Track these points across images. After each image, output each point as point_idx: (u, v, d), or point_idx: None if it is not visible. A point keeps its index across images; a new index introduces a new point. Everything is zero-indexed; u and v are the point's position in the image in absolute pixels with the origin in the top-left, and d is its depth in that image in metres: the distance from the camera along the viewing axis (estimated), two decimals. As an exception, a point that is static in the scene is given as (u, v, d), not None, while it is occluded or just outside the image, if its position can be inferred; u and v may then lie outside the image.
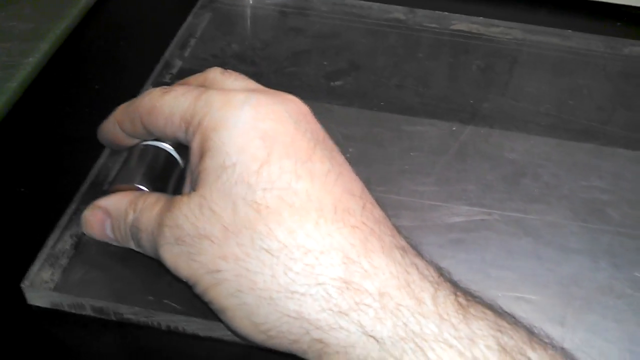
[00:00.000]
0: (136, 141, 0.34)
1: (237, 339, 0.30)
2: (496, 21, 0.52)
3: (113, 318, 0.32)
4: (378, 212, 0.29)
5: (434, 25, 0.52)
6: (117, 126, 0.33)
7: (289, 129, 0.29)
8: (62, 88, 0.45)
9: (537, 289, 0.34)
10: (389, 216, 0.30)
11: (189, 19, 0.50)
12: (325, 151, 0.29)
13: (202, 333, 0.31)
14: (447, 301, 0.26)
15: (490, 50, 0.50)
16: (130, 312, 0.31)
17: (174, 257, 0.28)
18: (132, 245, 0.31)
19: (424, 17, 0.52)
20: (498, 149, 0.41)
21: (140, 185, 0.32)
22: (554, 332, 0.31)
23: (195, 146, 0.30)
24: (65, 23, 0.48)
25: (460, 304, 0.26)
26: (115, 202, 0.32)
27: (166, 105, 0.31)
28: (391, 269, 0.27)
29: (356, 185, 0.29)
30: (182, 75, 0.44)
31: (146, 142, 0.34)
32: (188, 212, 0.28)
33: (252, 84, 0.33)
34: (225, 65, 0.34)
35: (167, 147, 0.34)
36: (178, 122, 0.30)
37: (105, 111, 0.35)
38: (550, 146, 0.42)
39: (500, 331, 0.25)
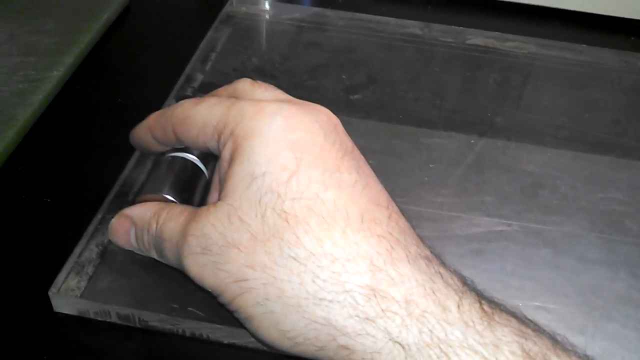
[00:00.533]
0: (166, 148, 0.35)
1: (261, 346, 0.30)
2: (511, 36, 0.52)
3: (138, 325, 0.32)
4: (403, 223, 0.30)
5: (449, 39, 0.52)
6: (148, 133, 0.34)
7: (318, 139, 0.29)
8: (86, 100, 0.46)
9: (557, 299, 0.34)
10: (412, 227, 0.30)
11: (209, 33, 0.51)
12: (353, 162, 0.30)
13: (226, 340, 0.32)
14: (472, 309, 0.26)
15: (506, 64, 0.50)
16: (155, 320, 0.32)
17: (199, 267, 0.29)
18: (155, 255, 0.32)
19: (440, 32, 0.53)
20: (515, 161, 0.42)
21: (168, 195, 0.33)
22: (574, 341, 0.31)
23: (225, 154, 0.30)
24: (88, 37, 0.49)
25: (484, 311, 0.26)
26: (140, 212, 0.32)
27: (199, 115, 0.31)
28: (417, 277, 0.27)
29: (382, 195, 0.30)
30: (203, 88, 0.45)
31: (173, 154, 0.35)
32: (215, 221, 0.29)
33: (282, 94, 0.33)
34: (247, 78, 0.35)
35: (193, 158, 0.34)
36: (211, 132, 0.31)
37: (129, 123, 0.36)
38: (566, 158, 0.42)
39: (524, 337, 0.26)
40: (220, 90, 0.35)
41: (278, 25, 0.53)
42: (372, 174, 0.31)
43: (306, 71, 0.48)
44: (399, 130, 0.44)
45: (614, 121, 0.46)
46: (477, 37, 0.52)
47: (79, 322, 0.32)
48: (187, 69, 0.47)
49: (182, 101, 0.33)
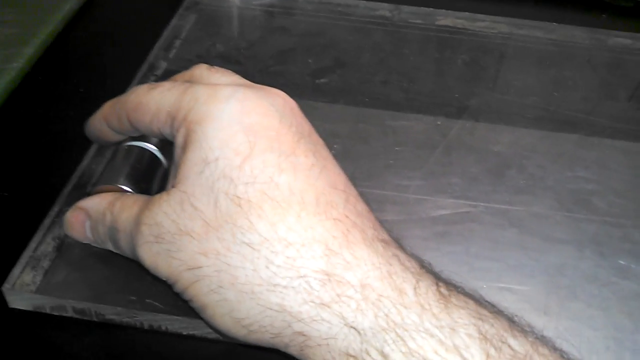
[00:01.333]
0: (123, 137, 0.34)
1: (220, 337, 0.30)
2: (481, 16, 0.52)
3: (95, 319, 0.31)
4: (361, 206, 0.29)
5: (419, 21, 0.52)
6: (103, 122, 0.33)
7: (273, 123, 0.29)
8: (46, 92, 0.45)
9: (522, 279, 0.34)
10: (373, 211, 0.30)
11: (174, 20, 0.50)
12: (310, 145, 0.29)
13: (185, 332, 0.31)
14: (428, 291, 0.26)
15: (476, 44, 0.50)
16: (112, 313, 0.31)
17: (153, 256, 0.28)
18: (110, 247, 0.31)
19: (409, 14, 0.52)
20: (483, 142, 0.41)
21: (123, 186, 0.32)
22: (539, 321, 0.31)
23: (179, 140, 0.29)
24: (49, 28, 0.48)
25: (441, 293, 0.26)
26: (95, 204, 0.32)
27: (152, 101, 0.30)
28: (373, 260, 0.26)
29: (340, 178, 0.29)
30: (166, 76, 0.44)
31: (130, 143, 0.34)
32: (168, 209, 0.28)
33: (238, 79, 0.32)
34: (209, 65, 0.34)
35: (151, 147, 0.34)
36: (164, 118, 0.30)
37: (90, 114, 0.35)
38: (535, 138, 0.42)
39: (481, 319, 0.25)
40: (177, 76, 0.34)
41: (245, 11, 0.53)
42: (330, 157, 0.30)
43: (272, 56, 0.48)
44: (366, 113, 0.43)
45: (583, 99, 0.45)
46: (447, 18, 0.52)
47: (35, 317, 0.32)
48: (150, 57, 0.46)
49: (135, 87, 0.32)
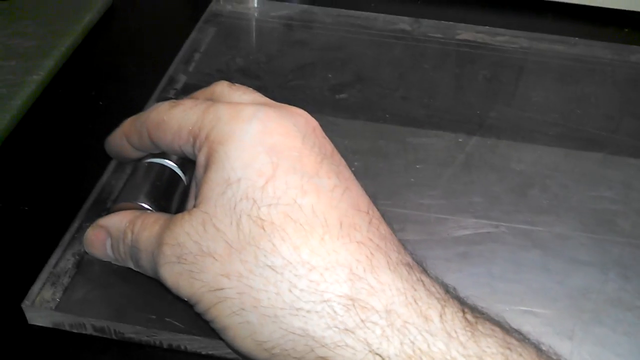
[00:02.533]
0: (143, 154, 0.34)
1: (239, 358, 0.29)
2: (501, 30, 0.51)
3: (114, 337, 0.31)
4: (384, 228, 0.29)
5: (439, 35, 0.51)
6: (124, 139, 0.33)
7: (296, 143, 0.29)
8: (66, 105, 0.45)
9: (546, 302, 0.33)
10: (394, 230, 0.29)
11: (193, 33, 0.50)
12: (333, 166, 0.29)
13: (204, 351, 0.31)
14: (454, 318, 0.25)
15: (496, 59, 0.49)
16: (131, 332, 0.31)
17: (175, 276, 0.28)
18: (131, 265, 0.31)
19: (429, 28, 0.52)
20: (505, 160, 0.41)
21: (143, 204, 0.32)
22: (563, 346, 0.31)
23: (201, 160, 0.29)
24: (69, 40, 0.48)
25: (468, 321, 0.26)
26: (115, 222, 0.32)
27: (174, 119, 0.30)
28: (397, 286, 0.26)
29: (363, 200, 0.29)
30: (186, 90, 0.44)
31: (150, 160, 0.34)
32: (190, 229, 0.28)
33: (260, 97, 0.32)
34: (229, 79, 0.34)
35: (171, 164, 0.33)
36: (186, 136, 0.30)
37: (110, 127, 0.35)
38: (558, 156, 0.41)
39: (509, 348, 0.25)
40: (198, 93, 0.34)
41: (264, 24, 0.53)
42: (352, 178, 0.30)
43: (292, 71, 0.47)
44: (386, 130, 0.43)
45: (606, 117, 0.45)
46: (467, 32, 0.52)
47: (54, 334, 0.32)
48: (170, 71, 0.46)
49: (157, 104, 0.32)
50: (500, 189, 0.39)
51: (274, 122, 0.29)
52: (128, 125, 0.33)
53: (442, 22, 0.52)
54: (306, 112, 0.31)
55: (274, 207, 0.27)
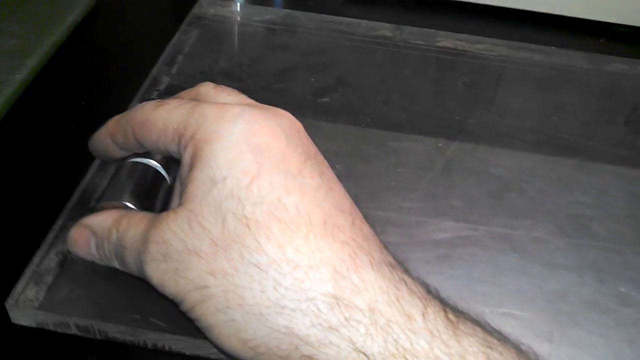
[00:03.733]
0: (127, 153, 0.34)
1: (223, 357, 0.30)
2: (481, 38, 0.52)
3: (98, 337, 0.31)
4: (367, 229, 0.29)
5: (420, 42, 0.52)
6: (109, 138, 0.33)
7: (280, 144, 0.29)
8: (49, 105, 0.45)
9: (524, 305, 0.34)
10: (376, 233, 0.30)
11: (177, 36, 0.50)
12: (316, 166, 0.29)
13: (188, 351, 0.31)
14: (437, 317, 0.26)
15: (476, 66, 0.50)
16: (115, 331, 0.31)
17: (160, 274, 0.28)
18: (116, 264, 0.31)
19: (411, 34, 0.52)
20: (483, 165, 0.42)
21: (128, 203, 0.32)
22: (541, 347, 0.31)
23: (186, 158, 0.29)
24: (52, 39, 0.48)
25: (449, 320, 0.26)
26: (100, 221, 0.32)
27: (159, 118, 0.30)
28: (380, 284, 0.27)
29: (346, 201, 0.29)
30: (169, 91, 0.45)
31: (134, 159, 0.34)
32: (176, 227, 0.28)
33: (245, 99, 0.33)
34: (212, 81, 0.34)
35: (155, 164, 0.34)
36: (171, 135, 0.30)
37: (92, 128, 0.35)
38: (535, 162, 0.42)
39: (490, 347, 0.25)
40: (183, 93, 0.34)
41: (248, 28, 0.53)
42: (335, 179, 0.30)
43: (274, 74, 0.48)
44: (367, 133, 0.43)
45: (582, 124, 0.46)
46: (448, 39, 0.52)
47: (38, 334, 0.32)
48: (153, 72, 0.46)
49: (142, 103, 0.32)
50: (479, 192, 0.40)
51: (259, 123, 0.29)
52: (113, 124, 0.33)
53: (423, 29, 0.53)
54: (290, 114, 0.31)
55: (259, 205, 0.27)
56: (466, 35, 0.52)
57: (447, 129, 0.44)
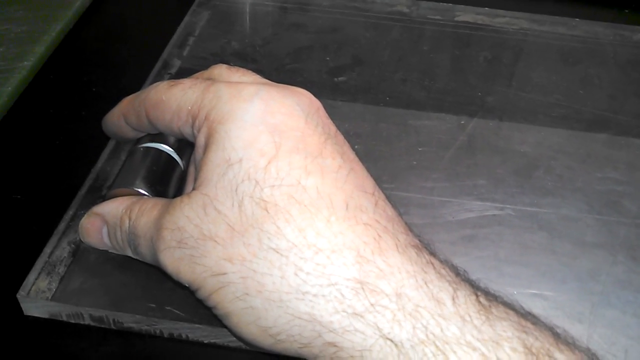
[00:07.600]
0: (141, 134, 0.33)
1: (242, 345, 0.29)
2: (501, 11, 0.51)
3: (113, 327, 0.31)
4: (390, 210, 0.28)
5: (437, 17, 0.50)
6: (122, 119, 0.32)
7: (299, 123, 0.28)
8: (59, 91, 0.44)
9: (554, 285, 0.32)
10: (400, 214, 0.28)
11: (187, 17, 0.49)
12: (337, 146, 0.28)
13: (206, 340, 0.30)
14: (467, 301, 0.25)
15: (496, 41, 0.49)
16: (131, 321, 0.30)
17: (175, 262, 0.27)
18: (130, 253, 0.30)
19: (428, 9, 0.51)
20: (508, 142, 0.40)
21: (140, 189, 0.31)
22: (573, 329, 0.30)
23: (200, 140, 0.28)
24: (60, 25, 0.47)
25: (481, 304, 0.25)
26: (111, 209, 0.31)
27: (173, 99, 0.29)
28: (407, 268, 0.25)
29: (368, 182, 0.28)
30: (180, 75, 0.43)
31: (146, 144, 0.33)
32: (190, 212, 0.27)
33: (260, 78, 0.31)
34: (225, 63, 0.33)
35: (167, 149, 0.33)
36: (185, 116, 0.29)
37: (103, 114, 0.34)
38: (562, 137, 0.41)
39: (525, 332, 0.24)
40: (196, 75, 0.33)
41: (259, 7, 0.51)
42: (356, 159, 0.29)
43: (288, 54, 0.46)
44: (386, 112, 0.42)
45: (610, 97, 0.44)
46: (467, 14, 0.51)
47: (51, 325, 0.31)
48: (164, 55, 0.45)
49: (156, 83, 0.31)
50: (504, 170, 0.38)
51: (276, 102, 0.28)
52: (126, 104, 0.32)
53: (441, 3, 0.51)
54: (309, 92, 0.30)
55: (277, 188, 0.26)
56: (486, 8, 0.51)
57: (468, 105, 0.43)
